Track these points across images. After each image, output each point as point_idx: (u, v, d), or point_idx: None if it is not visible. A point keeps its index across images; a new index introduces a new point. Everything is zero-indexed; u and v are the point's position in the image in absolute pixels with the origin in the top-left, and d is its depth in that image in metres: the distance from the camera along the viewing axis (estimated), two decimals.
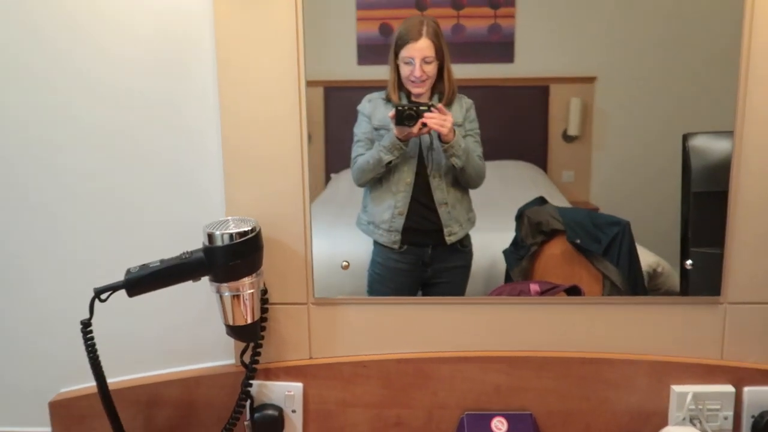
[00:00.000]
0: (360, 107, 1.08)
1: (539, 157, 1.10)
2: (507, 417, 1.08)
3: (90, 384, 1.15)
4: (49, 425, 1.16)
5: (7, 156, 1.09)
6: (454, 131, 1.06)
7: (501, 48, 1.06)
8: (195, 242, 1.03)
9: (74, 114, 1.07)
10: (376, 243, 1.12)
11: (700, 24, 1.02)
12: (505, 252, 1.12)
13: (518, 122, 1.09)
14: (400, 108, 1.05)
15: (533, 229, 1.12)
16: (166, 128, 1.08)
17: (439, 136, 1.06)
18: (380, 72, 1.08)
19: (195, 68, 1.06)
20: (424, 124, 1.05)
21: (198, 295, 1.11)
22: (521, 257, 1.12)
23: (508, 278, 1.12)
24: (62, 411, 1.14)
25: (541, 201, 1.11)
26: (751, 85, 1.01)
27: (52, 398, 1.15)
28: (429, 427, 1.10)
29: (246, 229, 0.99)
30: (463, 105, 1.08)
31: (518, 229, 1.11)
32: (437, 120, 1.05)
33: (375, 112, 1.08)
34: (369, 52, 1.07)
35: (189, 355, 1.15)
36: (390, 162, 1.08)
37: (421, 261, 1.12)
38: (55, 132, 1.08)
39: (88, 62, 1.06)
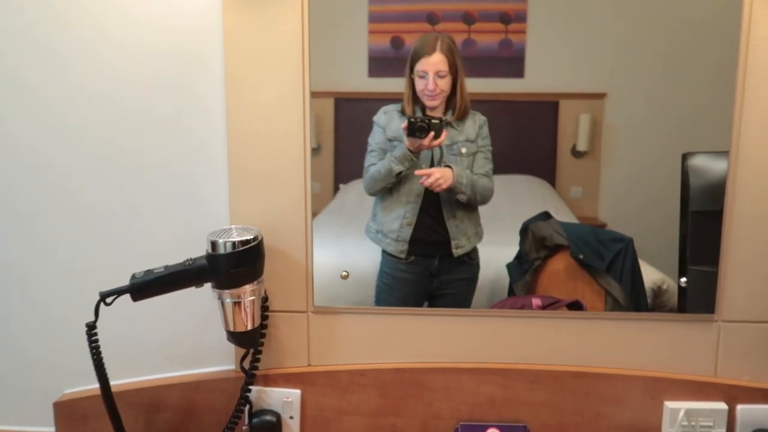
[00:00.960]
0: (375, 118, 1.11)
1: (547, 172, 1.11)
2: (501, 429, 1.09)
3: (94, 386, 1.17)
4: (53, 425, 1.19)
5: (14, 164, 1.13)
6: (453, 175, 1.09)
7: (511, 63, 1.07)
8: (199, 251, 1.06)
9: (81, 124, 1.11)
10: (384, 252, 1.14)
11: (704, 43, 1.04)
12: (508, 266, 1.14)
13: (527, 137, 1.11)
14: (412, 120, 1.07)
15: (537, 244, 1.13)
16: (173, 141, 1.11)
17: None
18: (391, 84, 1.10)
19: (202, 83, 1.09)
20: (435, 137, 1.07)
21: (200, 301, 1.13)
22: (525, 271, 1.13)
23: (512, 292, 1.13)
24: (66, 411, 1.16)
25: (545, 216, 1.12)
26: (747, 104, 1.03)
27: (57, 399, 1.18)
28: None
29: (248, 237, 1.02)
30: (477, 121, 1.10)
31: (522, 243, 1.13)
32: (432, 180, 1.08)
33: (390, 123, 1.10)
34: (380, 64, 1.09)
35: (190, 360, 1.17)
36: (400, 173, 1.10)
37: (428, 272, 1.14)
38: (62, 142, 1.12)
39: (98, 76, 1.09)
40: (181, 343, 1.17)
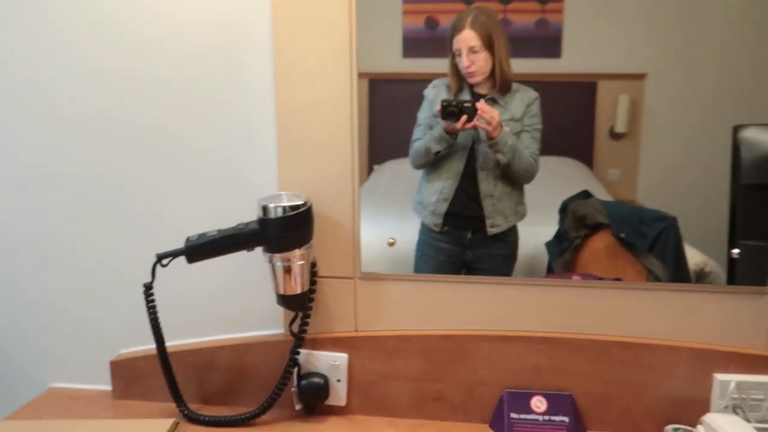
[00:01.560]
0: (425, 92, 1.11)
1: (585, 154, 1.09)
2: (546, 396, 1.10)
3: (147, 346, 1.23)
4: (109, 383, 1.24)
5: (69, 134, 1.17)
6: (501, 128, 1.08)
7: (548, 43, 1.06)
8: (247, 216, 1.10)
9: (134, 98, 1.14)
10: (422, 223, 1.15)
11: (753, 14, 1.00)
12: (547, 244, 1.13)
13: (564, 118, 1.09)
14: (444, 103, 1.07)
15: (577, 222, 1.12)
16: (224, 113, 1.13)
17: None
18: (425, 65, 1.10)
19: (249, 55, 1.11)
20: (469, 120, 1.07)
21: (250, 267, 1.17)
22: (564, 250, 1.13)
23: (550, 270, 1.13)
24: (122, 370, 1.21)
25: (585, 195, 1.11)
26: None
27: (113, 358, 1.23)
28: (469, 402, 1.13)
29: (298, 202, 1.04)
30: (525, 98, 1.09)
31: (562, 221, 1.12)
32: (485, 116, 1.07)
33: (437, 98, 1.10)
34: (414, 45, 1.09)
35: (240, 323, 1.20)
36: (438, 152, 1.11)
37: (462, 243, 1.15)
38: (115, 114, 1.15)
39: (145, 51, 1.12)
40: (232, 306, 1.20)
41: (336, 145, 1.11)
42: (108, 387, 1.25)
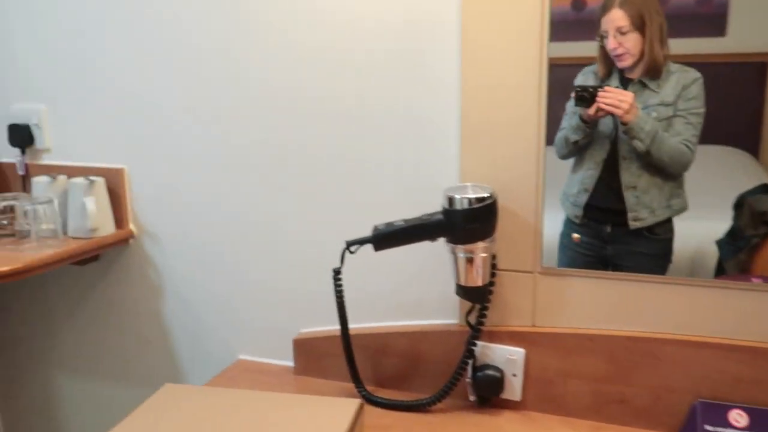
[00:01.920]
0: (576, 80, 1.06)
1: (751, 144, 0.98)
2: (748, 411, 1.01)
3: (325, 327, 1.29)
4: (291, 359, 1.33)
5: (261, 120, 1.25)
6: (637, 112, 1.00)
7: (711, 20, 0.96)
8: (426, 207, 1.12)
9: (321, 89, 1.19)
10: (565, 215, 1.11)
11: None
12: (719, 242, 1.03)
13: (727, 104, 0.99)
14: (577, 89, 1.02)
15: (755, 219, 1.01)
16: (404, 102, 1.15)
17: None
18: (572, 48, 1.04)
19: (431, 40, 1.11)
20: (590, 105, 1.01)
21: (425, 256, 1.19)
22: (739, 249, 1.02)
23: (720, 271, 1.03)
24: (304, 348, 1.29)
25: (765, 188, 1.00)
26: None
27: (296, 336, 1.31)
28: (655, 408, 1.07)
29: (484, 195, 1.03)
30: (681, 80, 0.99)
31: (737, 218, 1.01)
32: (610, 100, 1.00)
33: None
34: (561, 27, 1.03)
35: (414, 311, 1.23)
36: (576, 141, 1.05)
37: (601, 237, 1.08)
38: (308, 107, 1.22)
39: (330, 42, 1.17)
40: (407, 294, 1.23)
41: (521, 135, 1.08)
42: (288, 362, 1.34)
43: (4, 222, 1.25)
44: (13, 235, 1.25)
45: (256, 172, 1.29)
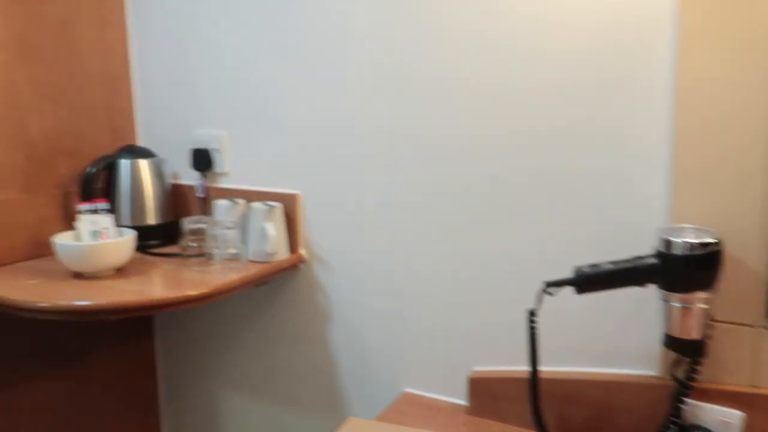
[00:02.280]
0: None
1: None
2: None
3: (501, 367, 1.23)
4: (460, 396, 1.28)
5: (453, 154, 1.22)
6: None
7: None
8: (629, 247, 1.04)
9: (510, 115, 1.15)
10: None
11: None
12: None
13: None
14: None
15: None
16: (609, 134, 1.08)
17: None
18: None
19: (640, 70, 1.04)
20: None
21: (623, 298, 1.10)
22: None
23: None
24: (480, 388, 1.23)
25: None
26: None
27: (470, 374, 1.25)
28: None
29: (709, 240, 0.93)
30: None
31: None
32: None
33: None
34: None
35: (608, 359, 1.14)
36: None
37: None
38: (498, 133, 1.17)
39: (530, 69, 1.12)
40: (601, 339, 1.14)
41: (745, 172, 0.98)
42: (457, 400, 1.29)
43: (193, 244, 1.30)
44: (200, 255, 1.30)
45: (435, 203, 1.26)
